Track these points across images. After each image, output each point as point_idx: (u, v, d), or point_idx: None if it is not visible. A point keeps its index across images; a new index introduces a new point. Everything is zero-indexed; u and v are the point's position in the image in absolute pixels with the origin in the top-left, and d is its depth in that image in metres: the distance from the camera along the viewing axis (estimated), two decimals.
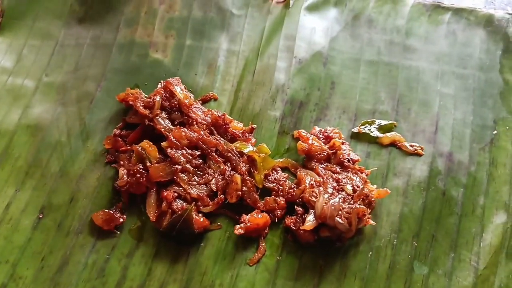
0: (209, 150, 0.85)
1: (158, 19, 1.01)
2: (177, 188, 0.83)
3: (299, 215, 0.81)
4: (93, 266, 0.80)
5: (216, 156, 0.85)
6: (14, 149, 0.88)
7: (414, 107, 0.94)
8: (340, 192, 0.81)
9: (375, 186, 0.84)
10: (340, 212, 0.78)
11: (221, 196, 0.83)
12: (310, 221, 0.79)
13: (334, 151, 0.87)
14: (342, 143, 0.88)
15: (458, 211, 0.85)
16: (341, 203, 0.79)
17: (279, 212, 0.83)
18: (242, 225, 0.81)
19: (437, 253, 0.81)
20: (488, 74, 0.96)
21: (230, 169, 0.85)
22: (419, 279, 0.79)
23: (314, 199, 0.80)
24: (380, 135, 0.91)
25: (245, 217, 0.82)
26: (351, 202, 0.80)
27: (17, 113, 0.92)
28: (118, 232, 0.82)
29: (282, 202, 0.83)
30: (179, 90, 0.89)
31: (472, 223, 0.84)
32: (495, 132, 0.91)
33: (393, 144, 0.90)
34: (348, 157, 0.86)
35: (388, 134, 0.91)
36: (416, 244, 0.82)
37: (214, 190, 0.84)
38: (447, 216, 0.84)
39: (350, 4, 1.02)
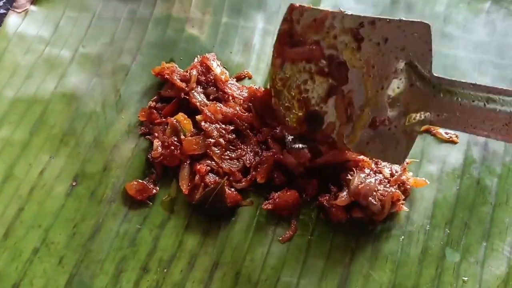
0: (243, 126, 0.85)
1: None
2: (210, 162, 0.83)
3: (333, 193, 0.81)
4: (124, 235, 0.80)
5: (250, 133, 0.85)
6: (49, 117, 0.89)
7: None
8: (377, 174, 0.80)
9: (411, 173, 0.83)
10: (374, 193, 0.77)
11: (253, 173, 0.83)
12: (343, 197, 0.78)
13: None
14: None
15: (492, 201, 0.84)
16: (376, 185, 0.78)
17: (311, 191, 0.82)
18: (270, 201, 0.81)
19: (470, 241, 0.80)
20: None
21: (264, 147, 0.84)
22: (451, 266, 0.78)
23: (350, 177, 0.79)
24: None
25: (275, 194, 0.82)
26: (387, 186, 0.79)
27: (53, 82, 0.92)
28: (151, 203, 0.82)
29: (314, 180, 0.83)
30: (216, 65, 0.89)
31: (506, 213, 0.83)
32: None
33: (428, 131, 0.90)
34: None
35: None
36: (448, 231, 0.81)
37: (247, 166, 0.83)
38: (481, 204, 0.83)
39: None
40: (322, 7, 1.00)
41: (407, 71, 0.69)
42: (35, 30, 0.97)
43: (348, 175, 0.80)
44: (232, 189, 0.82)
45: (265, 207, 0.81)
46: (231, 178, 0.83)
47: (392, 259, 0.79)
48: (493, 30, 0.98)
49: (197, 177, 0.81)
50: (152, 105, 0.90)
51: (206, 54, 0.92)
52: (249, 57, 0.96)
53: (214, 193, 0.79)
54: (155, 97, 0.91)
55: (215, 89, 0.88)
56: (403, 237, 0.80)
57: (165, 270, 0.77)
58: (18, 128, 0.88)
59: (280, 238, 0.80)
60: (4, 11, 0.99)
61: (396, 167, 0.82)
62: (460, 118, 0.69)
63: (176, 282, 0.77)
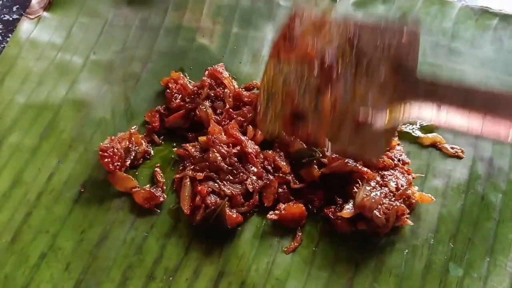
0: (247, 150, 0.85)
1: (207, 5, 1.02)
2: (212, 183, 0.82)
3: (338, 205, 0.81)
4: (131, 243, 0.81)
5: (254, 157, 0.85)
6: (59, 123, 0.90)
7: None
8: (382, 187, 0.81)
9: (416, 188, 0.84)
10: (379, 207, 0.78)
11: (256, 197, 0.83)
12: (348, 209, 0.79)
13: (387, 149, 0.87)
14: (398, 144, 0.88)
15: (496, 217, 0.84)
16: (382, 198, 0.79)
17: (317, 202, 0.83)
18: (276, 211, 0.82)
19: (473, 256, 0.81)
20: None
21: (269, 169, 0.85)
22: (454, 281, 0.79)
23: (355, 189, 0.80)
24: (421, 135, 0.91)
25: (281, 206, 0.82)
26: (392, 199, 0.80)
27: (64, 88, 0.93)
28: (159, 211, 0.83)
29: (321, 192, 0.83)
30: (226, 75, 0.91)
31: (509, 229, 0.83)
32: None
33: (434, 145, 0.90)
34: (400, 157, 0.86)
35: (429, 135, 0.91)
36: (452, 246, 0.81)
37: (250, 190, 0.83)
38: (485, 220, 0.84)
39: (399, 2, 1.03)
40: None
41: (394, 73, 0.70)
42: (48, 37, 0.98)
43: (354, 187, 0.81)
44: (234, 210, 0.81)
45: (270, 217, 0.81)
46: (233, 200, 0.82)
47: (396, 273, 0.79)
48: (500, 47, 0.99)
49: (198, 198, 0.81)
50: (161, 109, 0.90)
51: (215, 65, 0.93)
52: (258, 67, 0.97)
53: (215, 215, 0.79)
54: (164, 106, 0.92)
55: (222, 103, 0.89)
56: (407, 250, 0.81)
57: (170, 278, 0.78)
58: (28, 134, 0.89)
59: (285, 249, 0.81)
60: (17, 17, 1.00)
61: (402, 181, 0.82)
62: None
63: None
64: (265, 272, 0.79)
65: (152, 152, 0.89)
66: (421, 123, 0.92)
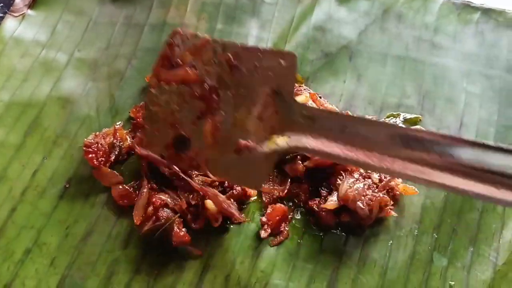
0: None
1: (191, 1, 1.02)
2: (165, 197, 0.81)
3: (322, 197, 0.82)
4: (116, 238, 0.81)
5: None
6: (44, 120, 0.90)
7: (440, 103, 0.94)
8: (366, 179, 0.82)
9: (400, 180, 0.84)
10: (362, 198, 0.79)
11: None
12: (332, 201, 0.80)
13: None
14: None
15: (479, 207, 0.85)
16: (365, 189, 0.79)
17: (303, 196, 0.83)
18: (265, 226, 0.81)
19: (457, 246, 0.82)
20: None
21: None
22: (438, 271, 0.79)
23: (339, 181, 0.81)
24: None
25: (263, 219, 0.82)
26: (375, 191, 0.80)
27: (48, 85, 0.93)
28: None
29: (305, 185, 0.84)
30: None
31: (493, 220, 0.84)
32: None
33: None
34: None
35: (412, 127, 0.92)
36: (436, 236, 0.82)
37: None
38: (468, 211, 0.85)
39: None
40: (314, 18, 1.02)
41: (273, 97, 0.71)
42: (32, 34, 0.98)
43: (338, 179, 0.81)
44: (184, 229, 0.79)
45: (264, 235, 0.81)
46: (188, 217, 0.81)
47: (381, 263, 0.80)
48: (482, 41, 1.00)
49: (150, 208, 0.79)
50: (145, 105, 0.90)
51: None
52: None
53: (162, 229, 0.78)
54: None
55: None
56: (391, 241, 0.82)
57: (156, 272, 0.78)
58: (13, 131, 0.89)
59: (271, 242, 0.81)
60: (1, 15, 1.00)
61: None
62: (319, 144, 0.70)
63: (166, 284, 0.77)
64: (251, 265, 0.79)
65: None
66: (404, 116, 0.93)
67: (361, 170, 0.83)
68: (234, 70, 0.73)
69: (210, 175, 0.76)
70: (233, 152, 0.71)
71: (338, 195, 0.80)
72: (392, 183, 0.82)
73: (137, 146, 0.77)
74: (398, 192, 0.83)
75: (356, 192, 0.79)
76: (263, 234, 0.81)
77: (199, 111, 0.74)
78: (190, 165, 0.75)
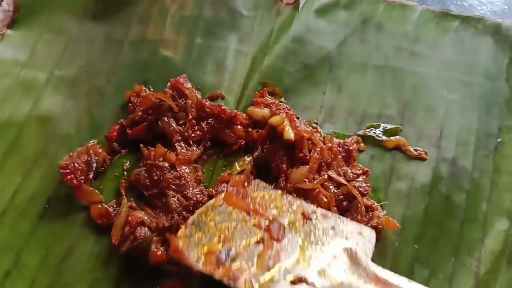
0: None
1: (170, 17, 1.03)
2: (142, 214, 0.81)
3: None
4: (97, 257, 0.81)
5: (171, 196, 0.83)
6: (23, 139, 0.90)
7: (420, 112, 0.94)
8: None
9: (384, 212, 0.83)
10: None
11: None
12: None
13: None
14: (360, 175, 0.86)
15: (461, 217, 0.85)
16: None
17: None
18: None
19: (439, 257, 0.81)
20: (494, 82, 0.97)
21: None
22: (420, 282, 0.79)
23: None
24: (385, 138, 0.92)
25: None
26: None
27: (28, 105, 0.93)
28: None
29: None
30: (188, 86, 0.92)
31: (474, 229, 0.84)
32: (499, 140, 0.92)
33: (398, 148, 0.91)
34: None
35: (393, 138, 0.92)
36: (417, 247, 0.82)
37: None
38: (450, 220, 0.84)
39: (360, 8, 1.04)
40: (293, 30, 1.02)
41: (346, 255, 0.74)
42: (11, 54, 0.98)
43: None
44: (162, 248, 0.79)
45: None
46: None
47: None
48: (462, 49, 1.01)
49: (127, 228, 0.79)
50: (124, 123, 0.90)
51: (178, 76, 0.93)
52: (222, 77, 0.98)
53: (140, 249, 0.78)
54: (127, 119, 0.91)
55: (184, 114, 0.89)
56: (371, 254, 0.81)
57: None
58: None
59: None
60: None
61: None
62: None
63: None
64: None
65: (109, 158, 0.89)
66: (384, 127, 0.93)
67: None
68: (307, 222, 0.77)
69: None
70: (288, 282, 0.71)
71: None
72: (376, 214, 0.81)
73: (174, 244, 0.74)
74: (380, 226, 0.81)
75: None
76: None
77: (260, 237, 0.75)
78: (227, 276, 0.72)
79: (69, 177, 0.82)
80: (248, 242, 0.74)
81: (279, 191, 0.81)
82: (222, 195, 0.79)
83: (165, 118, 0.88)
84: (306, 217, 0.77)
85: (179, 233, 0.74)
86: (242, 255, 0.72)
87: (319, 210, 0.79)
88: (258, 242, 0.74)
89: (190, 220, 0.76)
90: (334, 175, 0.83)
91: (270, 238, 0.74)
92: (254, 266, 0.71)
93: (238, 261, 0.72)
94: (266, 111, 0.91)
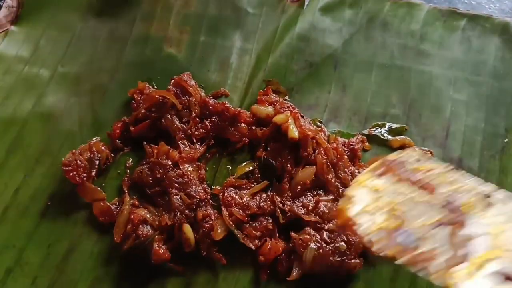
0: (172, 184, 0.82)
1: (174, 14, 1.02)
2: (144, 212, 0.81)
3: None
4: (98, 255, 0.80)
5: (174, 194, 0.82)
6: (26, 136, 0.90)
7: (426, 112, 0.93)
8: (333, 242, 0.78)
9: None
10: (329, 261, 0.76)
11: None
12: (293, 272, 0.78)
13: None
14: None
15: None
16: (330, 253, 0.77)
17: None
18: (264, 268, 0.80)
19: None
20: (501, 82, 0.96)
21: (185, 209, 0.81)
22: (424, 284, 0.78)
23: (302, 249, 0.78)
24: (390, 138, 0.91)
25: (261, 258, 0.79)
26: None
27: (31, 102, 0.93)
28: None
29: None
30: (192, 84, 0.91)
31: None
32: (506, 140, 0.91)
33: (403, 148, 0.90)
34: None
35: (398, 138, 0.91)
36: None
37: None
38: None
39: (366, 6, 1.02)
40: (298, 28, 1.01)
41: None
42: (15, 50, 0.98)
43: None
44: (164, 246, 0.78)
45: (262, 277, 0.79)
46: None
47: (365, 277, 0.79)
48: (469, 48, 0.99)
49: (129, 226, 0.79)
50: (126, 120, 0.90)
51: (182, 74, 0.92)
52: (226, 75, 0.97)
53: (142, 247, 0.77)
54: (131, 117, 0.91)
55: (188, 111, 0.89)
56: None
57: None
58: None
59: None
60: None
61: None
62: None
63: None
64: (233, 280, 0.78)
65: (111, 155, 0.88)
66: (390, 126, 0.92)
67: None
68: (489, 206, 0.66)
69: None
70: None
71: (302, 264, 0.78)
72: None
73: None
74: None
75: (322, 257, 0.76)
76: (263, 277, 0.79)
77: (438, 221, 0.65)
78: (413, 262, 0.64)
79: (71, 174, 0.81)
80: (426, 223, 0.65)
81: (442, 164, 0.71)
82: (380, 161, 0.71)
83: (169, 116, 0.87)
84: (485, 198, 0.67)
85: (340, 204, 0.68)
86: (424, 239, 0.64)
87: (501, 192, 0.67)
88: (437, 225, 0.65)
89: (348, 192, 0.69)
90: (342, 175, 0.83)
91: (451, 221, 0.65)
92: (446, 251, 0.63)
93: (421, 245, 0.63)
94: (270, 109, 0.90)
